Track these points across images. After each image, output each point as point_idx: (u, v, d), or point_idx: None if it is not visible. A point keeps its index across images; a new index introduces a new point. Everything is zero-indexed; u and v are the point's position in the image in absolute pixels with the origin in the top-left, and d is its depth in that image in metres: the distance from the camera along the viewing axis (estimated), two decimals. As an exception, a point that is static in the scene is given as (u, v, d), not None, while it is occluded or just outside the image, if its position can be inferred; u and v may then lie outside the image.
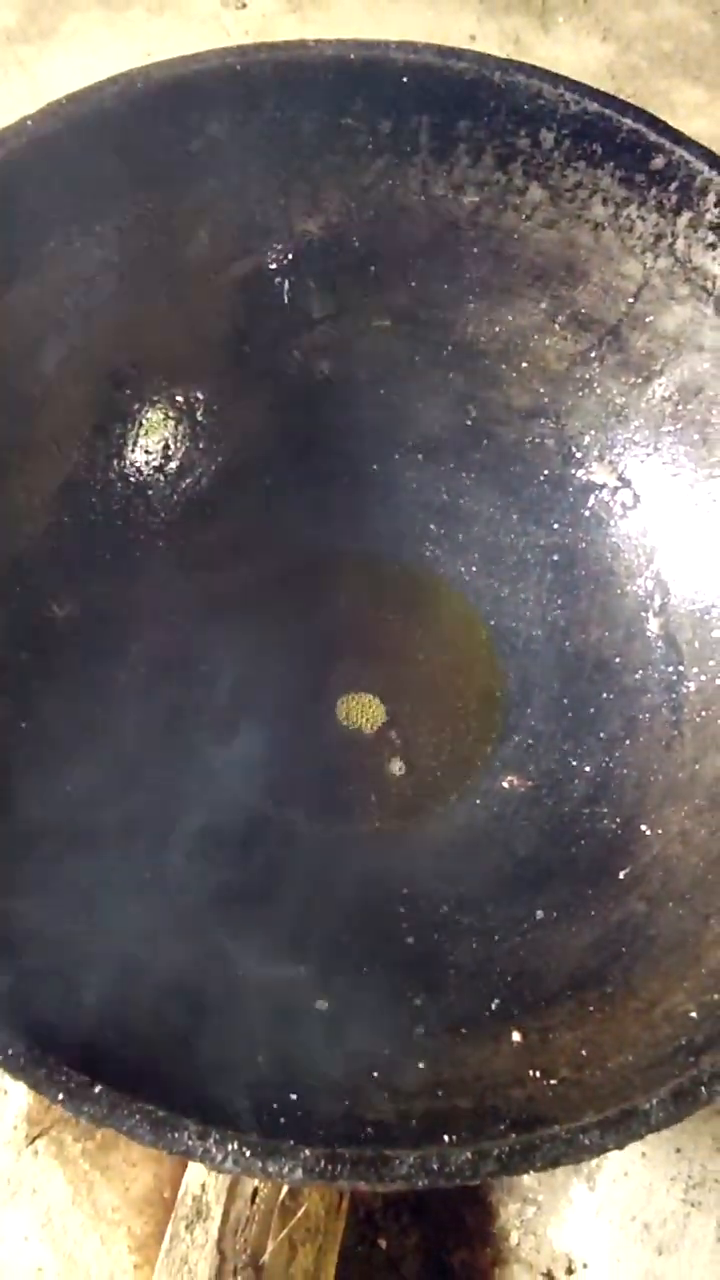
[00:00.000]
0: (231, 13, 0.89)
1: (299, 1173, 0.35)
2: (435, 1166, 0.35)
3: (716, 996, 0.41)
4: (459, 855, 0.54)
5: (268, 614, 0.59)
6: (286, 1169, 0.35)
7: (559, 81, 0.52)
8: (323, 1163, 0.35)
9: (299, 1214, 0.46)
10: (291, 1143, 0.35)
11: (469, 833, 0.55)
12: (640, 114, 0.52)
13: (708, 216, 0.52)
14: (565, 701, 0.57)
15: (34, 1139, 0.50)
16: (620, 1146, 0.36)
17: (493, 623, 0.60)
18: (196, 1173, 0.46)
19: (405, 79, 0.53)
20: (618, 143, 0.52)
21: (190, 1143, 0.35)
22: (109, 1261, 0.49)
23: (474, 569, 0.61)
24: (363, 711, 0.58)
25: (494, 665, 0.59)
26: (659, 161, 0.52)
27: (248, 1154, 0.35)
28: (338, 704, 0.58)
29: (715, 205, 0.52)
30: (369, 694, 0.58)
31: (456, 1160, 0.35)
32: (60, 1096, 0.36)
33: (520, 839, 0.54)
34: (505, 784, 0.56)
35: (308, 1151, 0.35)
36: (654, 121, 0.52)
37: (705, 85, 0.88)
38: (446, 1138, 0.36)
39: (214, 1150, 0.35)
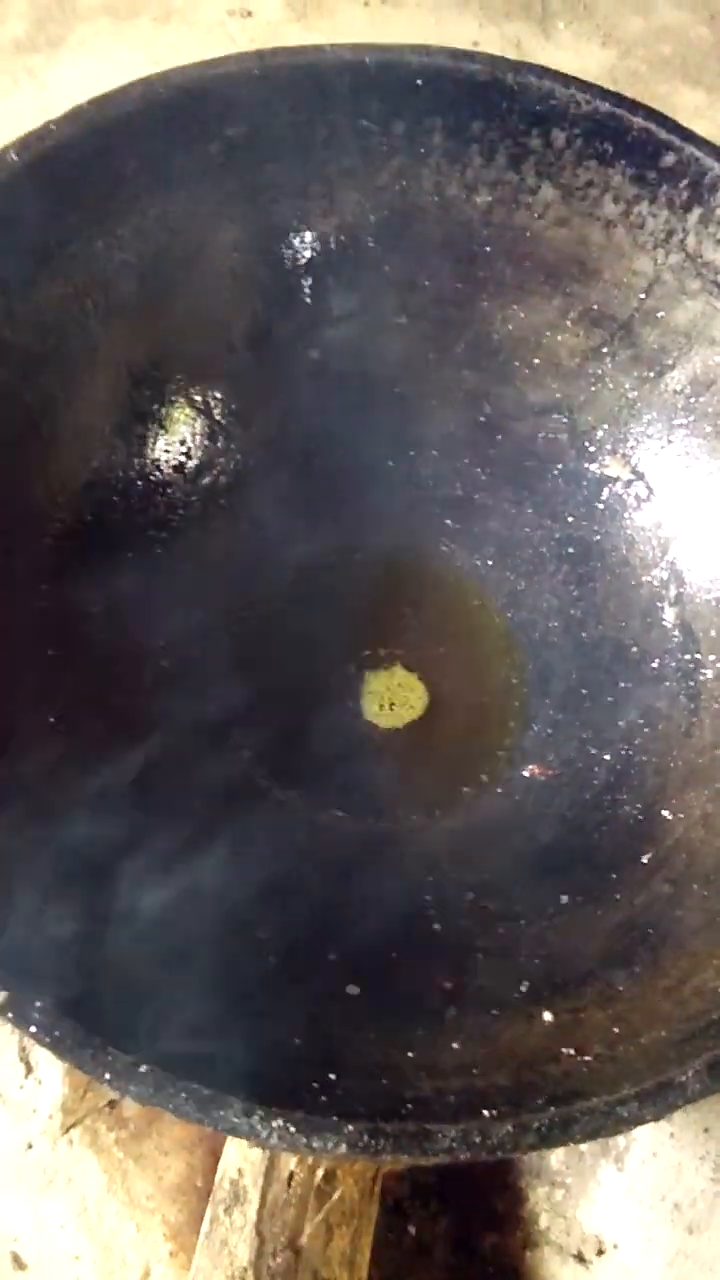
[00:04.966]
0: (237, 21, 0.90)
1: (343, 1148, 0.36)
2: (477, 1139, 0.36)
3: (745, 973, 0.42)
4: (483, 844, 0.55)
5: (288, 609, 0.60)
6: (331, 1144, 0.36)
7: (570, 82, 0.54)
8: (366, 1137, 0.36)
9: (334, 1197, 0.46)
10: (335, 1119, 0.36)
11: (492, 822, 0.56)
12: (650, 113, 0.53)
13: (718, 212, 0.53)
14: (584, 691, 0.58)
15: (69, 1128, 0.51)
16: (658, 1118, 0.37)
17: (510, 615, 0.61)
18: (233, 1157, 0.46)
19: (419, 81, 0.54)
20: (628, 141, 0.53)
21: (236, 1120, 0.36)
22: (145, 1249, 0.49)
23: (490, 562, 0.62)
24: (385, 706, 0.59)
25: (513, 657, 0.60)
26: (669, 159, 0.53)
27: (293, 1130, 0.36)
28: (360, 698, 0.59)
29: (725, 201, 0.53)
30: (390, 689, 0.59)
31: (498, 1133, 0.36)
32: (107, 1076, 0.36)
33: (543, 826, 0.55)
34: (527, 773, 0.57)
35: (351, 1127, 0.36)
36: (664, 120, 0.53)
37: (705, 88, 0.90)
38: (486, 1112, 0.37)
39: (259, 1127, 0.36)
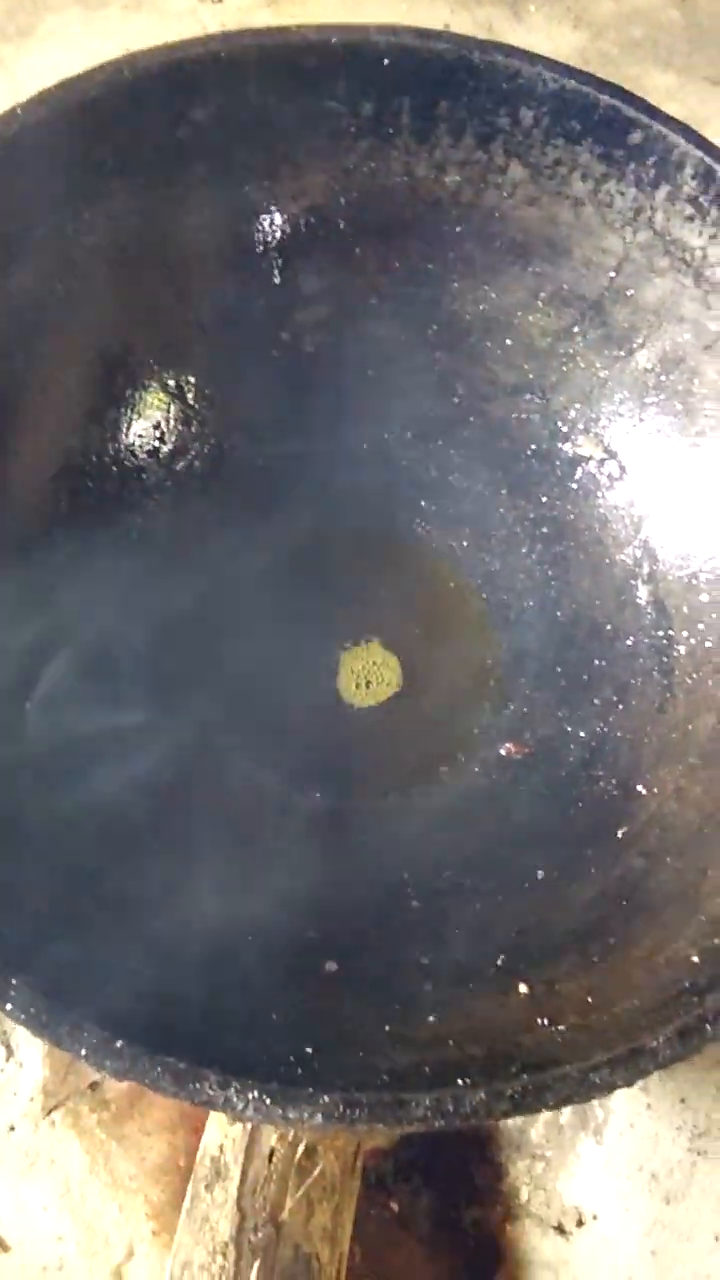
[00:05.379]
0: (208, 8, 0.89)
1: (319, 1118, 0.36)
2: (451, 1107, 0.36)
3: (716, 941, 0.42)
4: (460, 822, 0.55)
5: (264, 592, 0.60)
6: (307, 1114, 0.36)
7: (536, 60, 0.54)
8: (342, 1107, 0.36)
9: (315, 1173, 0.46)
10: (310, 1090, 0.36)
11: (469, 800, 0.56)
12: (617, 90, 0.53)
13: (685, 189, 0.53)
14: (559, 669, 0.58)
15: (50, 1110, 0.51)
16: (630, 1083, 0.37)
17: (485, 595, 0.61)
18: (214, 1134, 0.47)
19: (386, 61, 0.54)
20: (595, 119, 0.53)
21: (212, 1092, 0.36)
22: (128, 1229, 0.50)
23: (465, 543, 0.62)
24: (361, 684, 0.59)
25: (488, 636, 0.60)
26: (636, 136, 0.53)
27: (268, 1101, 0.36)
28: (337, 678, 0.59)
29: (692, 178, 0.53)
30: (367, 667, 0.59)
31: (472, 1100, 0.36)
32: (84, 1052, 0.36)
33: (519, 804, 0.55)
34: (503, 751, 0.57)
35: (326, 1097, 0.36)
36: (631, 98, 0.53)
37: (676, 71, 0.90)
38: (460, 1081, 0.37)
39: (235, 1099, 0.36)
